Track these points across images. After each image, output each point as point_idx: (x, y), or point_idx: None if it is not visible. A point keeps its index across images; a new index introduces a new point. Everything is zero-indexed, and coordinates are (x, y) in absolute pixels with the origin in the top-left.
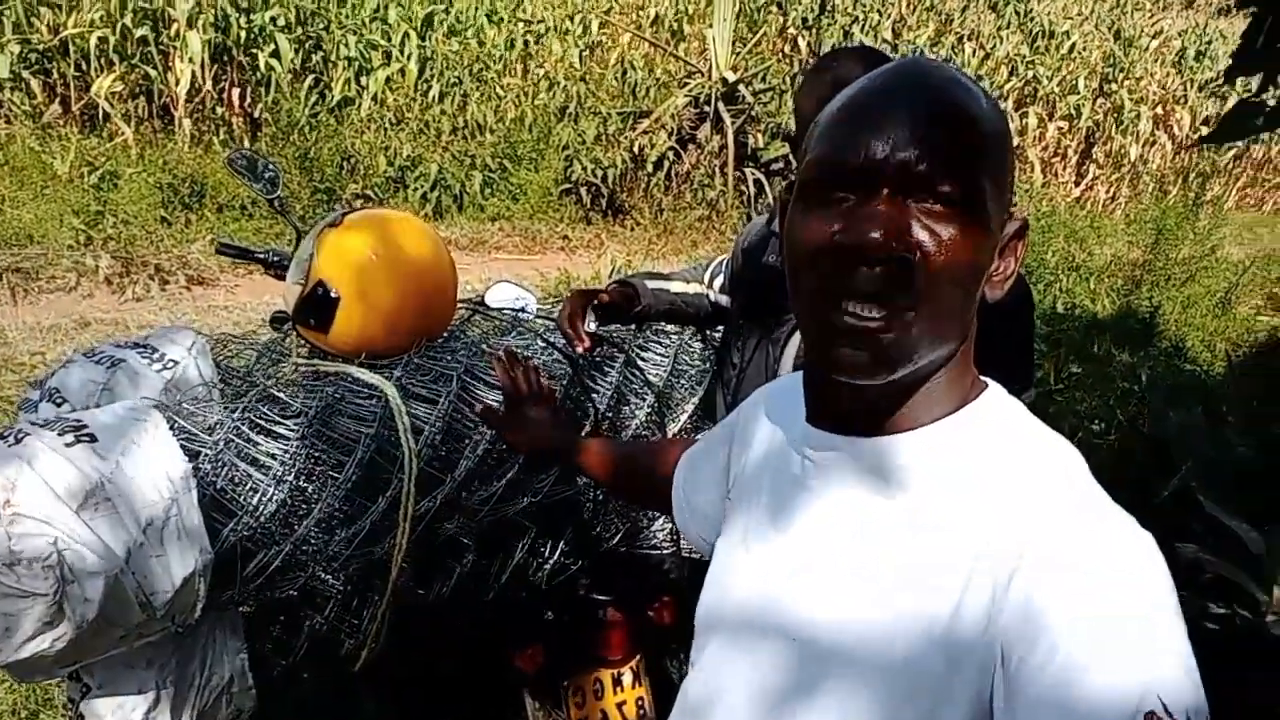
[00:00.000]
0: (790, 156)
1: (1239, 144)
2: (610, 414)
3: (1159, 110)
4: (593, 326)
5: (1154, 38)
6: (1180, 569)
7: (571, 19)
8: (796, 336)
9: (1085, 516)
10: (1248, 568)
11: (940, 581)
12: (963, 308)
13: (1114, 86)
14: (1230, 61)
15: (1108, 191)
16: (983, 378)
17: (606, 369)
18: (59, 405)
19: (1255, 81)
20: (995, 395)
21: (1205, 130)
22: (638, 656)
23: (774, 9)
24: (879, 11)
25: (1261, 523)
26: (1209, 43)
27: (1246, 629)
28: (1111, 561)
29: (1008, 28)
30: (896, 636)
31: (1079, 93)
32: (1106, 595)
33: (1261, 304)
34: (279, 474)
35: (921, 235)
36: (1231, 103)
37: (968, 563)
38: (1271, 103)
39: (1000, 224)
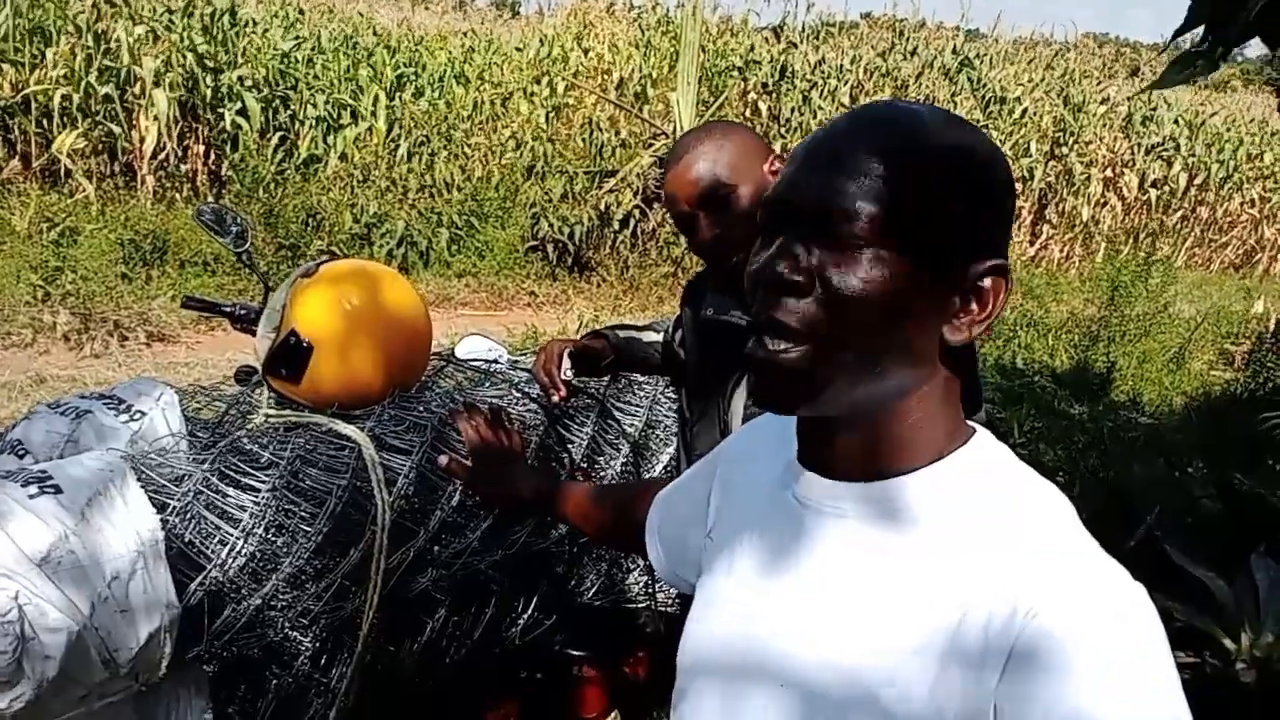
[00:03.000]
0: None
1: (1184, 206)
2: (585, 464)
3: (1108, 173)
4: (569, 375)
5: (1101, 104)
6: None
7: (537, 81)
8: (743, 387)
9: (1078, 563)
10: (1215, 616)
11: (930, 623)
12: (884, 344)
13: (1064, 150)
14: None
15: (1061, 250)
16: (969, 422)
17: (582, 419)
18: (21, 458)
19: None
20: (983, 440)
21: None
22: (614, 714)
23: (735, 74)
24: (837, 78)
25: (1226, 571)
26: (1154, 109)
27: (1217, 678)
28: (1107, 608)
29: (961, 94)
30: (887, 676)
31: (1031, 155)
32: (1105, 642)
33: (1214, 359)
34: (248, 526)
35: (830, 272)
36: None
37: (960, 603)
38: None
39: (952, 261)
